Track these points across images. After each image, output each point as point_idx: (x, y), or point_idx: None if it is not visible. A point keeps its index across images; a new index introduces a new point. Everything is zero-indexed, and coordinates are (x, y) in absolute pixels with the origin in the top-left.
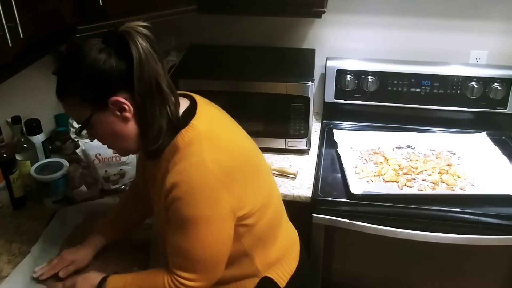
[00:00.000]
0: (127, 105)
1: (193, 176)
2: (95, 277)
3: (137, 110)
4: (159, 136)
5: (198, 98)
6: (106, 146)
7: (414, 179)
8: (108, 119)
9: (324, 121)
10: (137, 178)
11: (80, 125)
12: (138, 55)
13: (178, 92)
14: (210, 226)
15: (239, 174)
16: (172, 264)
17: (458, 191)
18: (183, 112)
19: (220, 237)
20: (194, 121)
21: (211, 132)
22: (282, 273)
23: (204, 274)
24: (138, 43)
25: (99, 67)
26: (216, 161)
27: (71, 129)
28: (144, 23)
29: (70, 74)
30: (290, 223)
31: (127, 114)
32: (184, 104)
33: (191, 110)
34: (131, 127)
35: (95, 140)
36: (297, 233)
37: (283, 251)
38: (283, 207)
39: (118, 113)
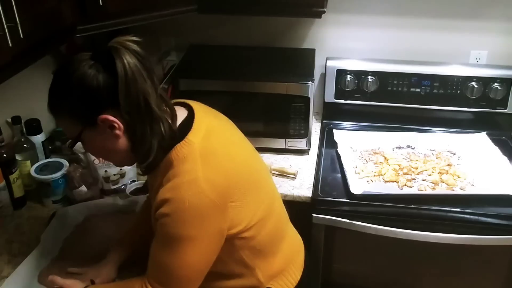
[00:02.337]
0: (116, 123)
1: (184, 195)
2: None
3: (127, 128)
4: (149, 153)
5: (197, 108)
6: None
7: (414, 179)
8: (98, 136)
9: (324, 121)
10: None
11: (71, 140)
12: (124, 73)
13: (176, 100)
14: (193, 246)
15: (234, 193)
16: (148, 273)
17: (458, 191)
18: (179, 125)
19: (201, 256)
20: (190, 136)
21: (207, 149)
22: (286, 284)
23: None
24: (125, 59)
25: (87, 84)
26: (210, 181)
27: None
28: (134, 38)
29: (59, 90)
30: (295, 231)
31: (117, 132)
32: (181, 115)
33: (188, 123)
34: (122, 143)
35: None
36: (302, 241)
37: (287, 261)
38: (287, 216)
39: (108, 130)
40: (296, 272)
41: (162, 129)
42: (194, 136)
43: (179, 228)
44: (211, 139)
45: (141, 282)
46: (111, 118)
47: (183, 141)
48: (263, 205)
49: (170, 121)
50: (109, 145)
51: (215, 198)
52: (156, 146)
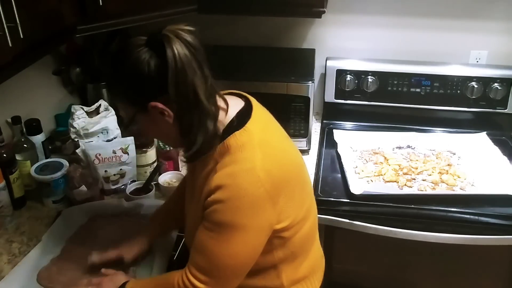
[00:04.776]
0: (167, 110)
1: (242, 182)
2: (119, 279)
3: (176, 116)
4: (192, 145)
5: (253, 100)
6: (107, 145)
7: (414, 179)
8: (150, 119)
9: (324, 121)
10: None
11: (126, 121)
12: (174, 62)
13: (231, 91)
14: (244, 236)
15: (286, 187)
16: (191, 260)
17: (458, 191)
18: (237, 113)
19: (250, 248)
20: (249, 125)
21: (265, 140)
22: None
23: (218, 281)
24: (175, 49)
25: (139, 70)
26: (267, 171)
27: (71, 129)
28: (189, 27)
29: (113, 74)
30: (319, 241)
31: (168, 119)
32: (238, 104)
33: (247, 112)
34: (172, 129)
35: (95, 140)
36: (323, 253)
37: (311, 269)
38: (317, 223)
39: (160, 115)
40: (316, 282)
41: (209, 125)
42: (253, 126)
43: (232, 216)
44: (267, 131)
45: (180, 272)
46: (161, 106)
47: (242, 129)
48: (305, 205)
49: (216, 119)
50: (159, 129)
51: (270, 188)
52: (200, 141)
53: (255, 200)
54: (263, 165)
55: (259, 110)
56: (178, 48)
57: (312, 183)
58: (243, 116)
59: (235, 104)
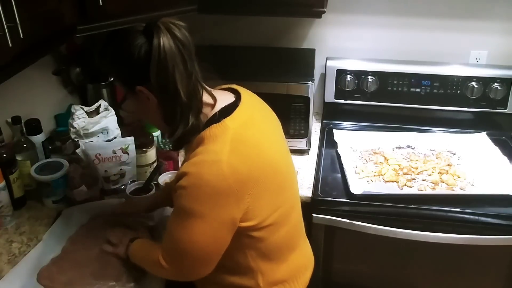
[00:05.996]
0: (150, 97)
1: (204, 172)
2: (128, 239)
3: (159, 103)
4: (174, 132)
5: (245, 97)
6: (107, 145)
7: (414, 179)
8: (138, 101)
9: (324, 121)
10: None
11: (121, 99)
12: (158, 52)
13: (229, 86)
14: (203, 225)
15: (254, 187)
16: (162, 242)
17: (458, 191)
18: (221, 109)
19: (209, 239)
20: (227, 120)
21: (240, 136)
22: None
23: (175, 264)
24: (161, 40)
25: (130, 54)
26: (232, 167)
27: (71, 129)
28: (180, 22)
29: (111, 53)
30: (309, 247)
31: (152, 104)
32: (226, 99)
33: (230, 109)
34: (157, 115)
35: (95, 140)
36: (312, 259)
37: (291, 274)
38: (303, 229)
39: (147, 99)
40: (298, 287)
41: (191, 118)
42: (231, 122)
43: (192, 203)
44: (247, 129)
45: (160, 249)
46: (146, 91)
47: (219, 123)
48: (281, 209)
49: (199, 113)
50: (147, 112)
51: (233, 184)
52: (180, 132)
53: (216, 192)
54: (229, 160)
55: (245, 108)
56: (164, 40)
57: (312, 183)
58: (225, 112)
59: (223, 100)
